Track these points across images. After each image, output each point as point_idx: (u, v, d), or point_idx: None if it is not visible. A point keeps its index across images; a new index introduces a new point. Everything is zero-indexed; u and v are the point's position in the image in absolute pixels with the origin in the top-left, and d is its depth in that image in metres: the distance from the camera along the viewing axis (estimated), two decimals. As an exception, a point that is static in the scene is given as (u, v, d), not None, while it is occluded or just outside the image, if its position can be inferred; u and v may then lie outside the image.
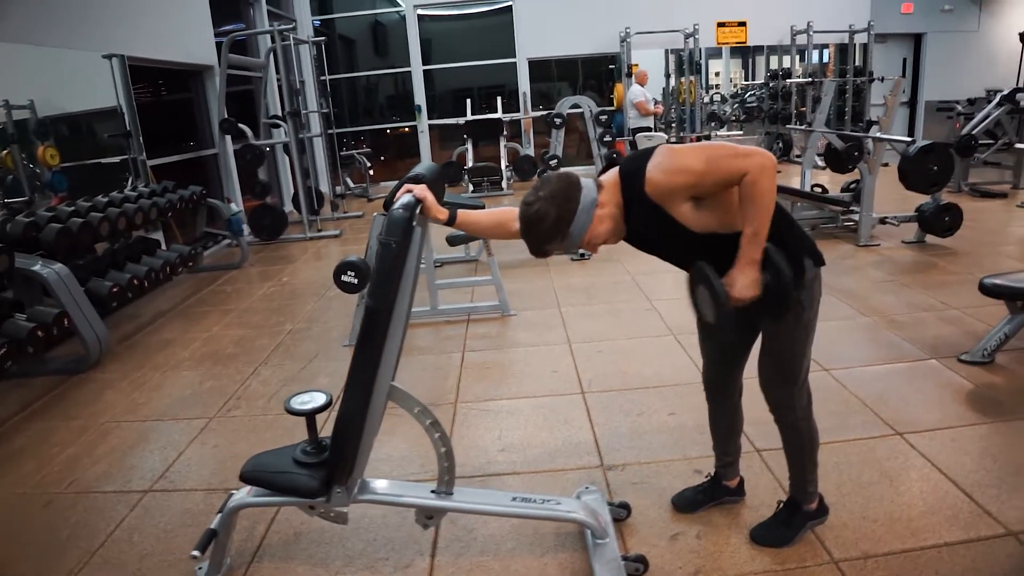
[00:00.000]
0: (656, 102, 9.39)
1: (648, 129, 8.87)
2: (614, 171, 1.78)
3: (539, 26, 10.59)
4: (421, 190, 1.81)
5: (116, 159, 6.15)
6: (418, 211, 1.78)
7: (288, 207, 8.97)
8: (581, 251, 5.82)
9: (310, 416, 1.99)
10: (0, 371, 3.49)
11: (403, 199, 1.77)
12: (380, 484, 2.06)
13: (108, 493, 2.75)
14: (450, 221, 1.89)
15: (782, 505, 2.13)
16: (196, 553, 2.03)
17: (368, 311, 1.74)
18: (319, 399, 1.99)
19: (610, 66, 11.12)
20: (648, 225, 1.74)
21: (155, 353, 4.33)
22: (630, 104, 9.01)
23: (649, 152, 1.71)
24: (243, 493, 2.10)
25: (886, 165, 6.86)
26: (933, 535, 2.10)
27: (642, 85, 8.86)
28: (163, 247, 5.67)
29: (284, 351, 4.20)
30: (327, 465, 1.92)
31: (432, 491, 2.02)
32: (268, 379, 3.79)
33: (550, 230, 1.69)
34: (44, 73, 5.88)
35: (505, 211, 1.95)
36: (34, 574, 2.27)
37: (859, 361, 3.42)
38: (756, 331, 1.99)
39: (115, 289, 4.38)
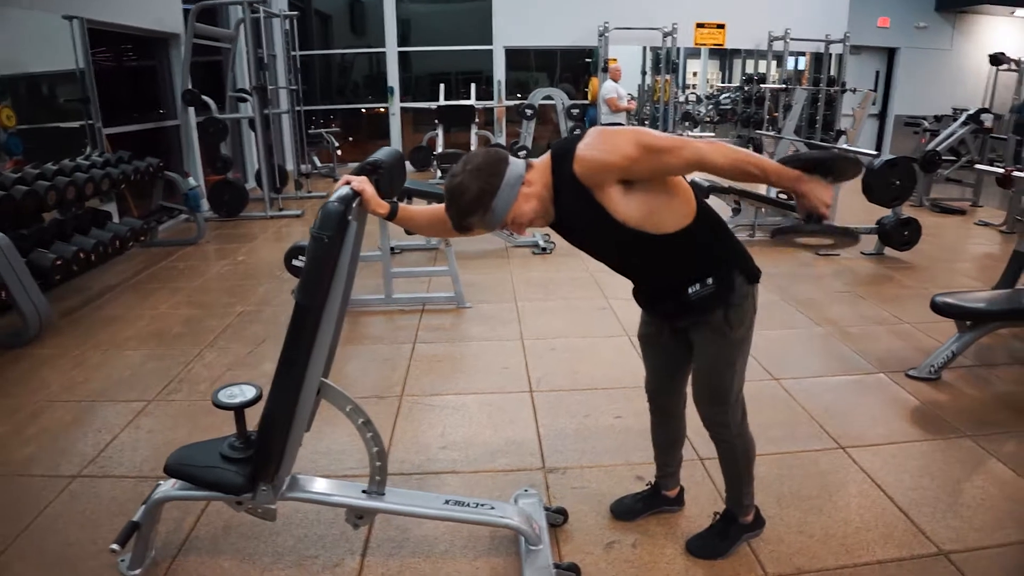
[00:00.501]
0: (631, 98, 9.35)
1: (620, 125, 8.83)
2: (547, 153, 1.72)
3: (517, 15, 10.48)
4: (360, 182, 1.74)
5: (76, 124, 5.94)
6: (356, 204, 1.71)
7: (251, 184, 8.77)
8: (542, 246, 5.90)
9: (238, 410, 1.91)
10: (-72, 342, 3.34)
11: (340, 191, 1.69)
12: (309, 482, 2.00)
13: (35, 477, 2.64)
14: (391, 216, 1.83)
15: (718, 517, 2.13)
16: (116, 547, 1.96)
17: (297, 307, 1.67)
18: (248, 393, 1.92)
19: (587, 59, 11.05)
20: (575, 211, 1.68)
21: (99, 330, 4.19)
22: (602, 99, 8.96)
23: (582, 135, 1.65)
24: (168, 486, 2.02)
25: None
26: (867, 552, 2.11)
27: (615, 81, 8.80)
28: (116, 219, 5.49)
29: (232, 334, 4.10)
30: (253, 462, 1.85)
31: (363, 491, 1.97)
32: (212, 363, 3.69)
33: (472, 203, 1.62)
34: (3, 31, 5.64)
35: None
36: (-55, 560, 2.17)
37: (809, 372, 3.44)
38: (691, 343, 1.96)
39: (59, 262, 4.22)
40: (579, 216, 1.69)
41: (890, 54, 12.36)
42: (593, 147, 1.60)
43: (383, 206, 1.79)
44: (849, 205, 6.67)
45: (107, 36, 6.46)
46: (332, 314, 1.72)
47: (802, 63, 12.42)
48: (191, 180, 6.41)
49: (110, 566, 2.09)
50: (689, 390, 2.06)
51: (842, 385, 3.30)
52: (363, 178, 1.77)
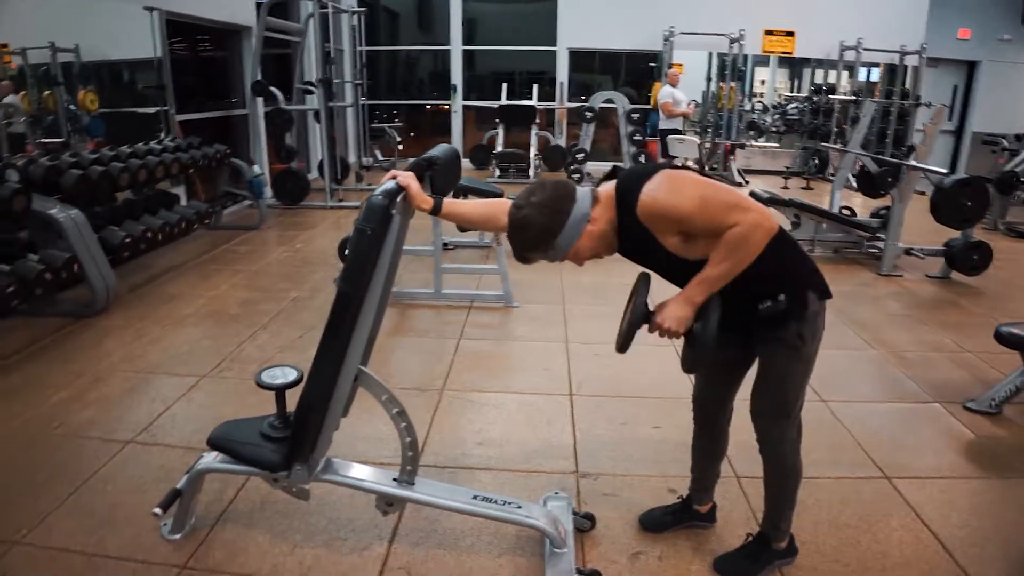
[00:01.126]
0: (692, 103, 9.17)
1: (678, 132, 8.68)
2: (611, 185, 1.73)
3: (582, 17, 10.44)
4: (405, 177, 1.77)
5: (152, 110, 6.22)
6: (400, 199, 1.74)
7: (314, 174, 9.00)
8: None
9: (279, 391, 1.98)
10: (7, 308, 3.55)
11: (385, 185, 1.73)
12: (343, 466, 2.05)
13: (92, 439, 2.79)
14: (435, 211, 1.85)
15: (751, 538, 2.08)
16: (158, 511, 2.06)
17: (339, 295, 1.72)
18: (290, 375, 1.99)
19: (650, 63, 10.94)
20: (639, 247, 1.72)
21: (160, 306, 4.37)
22: (659, 104, 8.85)
23: (649, 173, 1.65)
24: (210, 458, 2.11)
25: (922, 194, 6.68)
26: (903, 588, 2.03)
27: (673, 86, 8.66)
28: (183, 202, 5.72)
29: (285, 318, 4.22)
30: (289, 442, 1.91)
31: (394, 479, 2.01)
32: (264, 344, 3.81)
33: (535, 239, 1.66)
34: (90, 20, 5.96)
35: (497, 204, 1.90)
36: (5, 511, 2.30)
37: (859, 396, 3.33)
38: (749, 356, 1.93)
39: (128, 239, 4.43)
40: (643, 251, 1.72)
41: (970, 68, 11.81)
42: (656, 194, 1.61)
43: (427, 201, 1.82)
44: (916, 225, 6.43)
45: (184, 27, 6.74)
46: (372, 304, 1.76)
47: (876, 75, 12.00)
48: (256, 168, 6.64)
49: (153, 529, 2.20)
50: (741, 404, 2.03)
51: (893, 412, 3.18)
52: (409, 173, 1.80)
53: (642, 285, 1.74)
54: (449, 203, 1.89)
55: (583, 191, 1.70)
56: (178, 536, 2.16)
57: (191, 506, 2.20)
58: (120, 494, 2.42)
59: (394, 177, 1.79)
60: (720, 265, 1.59)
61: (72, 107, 6.20)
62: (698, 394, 2.11)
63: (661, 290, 1.79)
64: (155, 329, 3.99)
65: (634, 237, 1.68)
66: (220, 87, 7.93)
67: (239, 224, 6.70)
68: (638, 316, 1.70)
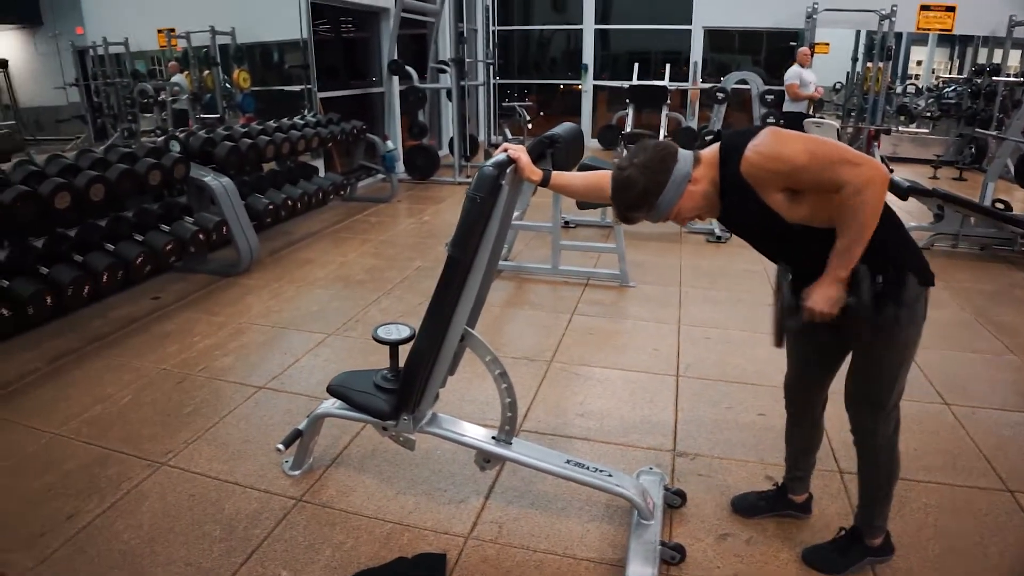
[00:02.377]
0: (819, 86, 8.54)
1: (800, 115, 8.14)
2: (715, 146, 1.72)
3: (720, -7, 10.06)
4: (516, 150, 1.86)
5: (297, 88, 6.71)
6: (510, 170, 1.83)
7: (444, 151, 9.32)
8: (718, 234, 5.72)
9: (393, 346, 2.15)
10: (166, 264, 4.00)
11: (497, 157, 1.82)
12: (447, 421, 2.19)
13: (230, 383, 3.12)
14: (544, 182, 1.92)
15: (844, 532, 2.02)
16: (280, 447, 2.31)
17: (449, 259, 1.84)
18: (404, 332, 2.15)
19: (791, 43, 10.37)
20: (740, 207, 1.69)
21: (296, 269, 4.76)
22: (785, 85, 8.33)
23: (754, 132, 1.63)
24: (329, 404, 2.32)
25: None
26: (1012, 606, 1.91)
27: (803, 66, 8.12)
28: (321, 174, 6.14)
29: (408, 285, 4.47)
30: (398, 393, 2.07)
31: (493, 437, 2.12)
32: (388, 308, 4.06)
33: (637, 199, 1.68)
34: (244, 4, 6.48)
35: (602, 174, 1.93)
36: (157, 437, 2.65)
37: (988, 402, 3.09)
38: (846, 342, 1.87)
39: (270, 207, 4.84)
40: (744, 211, 1.69)
41: None
42: (762, 149, 1.58)
43: (536, 173, 1.90)
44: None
45: (327, 9, 7.18)
46: (480, 269, 1.87)
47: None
48: (389, 143, 6.99)
49: (276, 464, 2.46)
50: (833, 389, 1.98)
51: (1026, 422, 2.94)
52: (520, 147, 1.89)
53: (783, 277, 1.70)
54: (557, 175, 1.95)
55: (686, 153, 1.71)
56: (297, 472, 2.41)
57: (310, 447, 2.44)
58: (251, 431, 2.71)
59: (506, 150, 1.87)
60: (848, 232, 1.54)
61: (228, 85, 6.80)
62: (789, 382, 2.07)
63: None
64: (290, 289, 4.35)
65: (736, 196, 1.66)
66: (359, 66, 8.38)
67: (372, 196, 7.10)
68: (789, 307, 1.66)
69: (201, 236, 4.15)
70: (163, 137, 4.81)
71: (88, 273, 3.51)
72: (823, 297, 1.61)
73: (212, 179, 4.40)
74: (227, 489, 2.35)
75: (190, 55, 6.75)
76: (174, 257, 4.00)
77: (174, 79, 6.75)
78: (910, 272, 1.67)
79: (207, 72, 6.75)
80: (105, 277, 3.57)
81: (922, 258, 1.72)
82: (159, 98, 6.84)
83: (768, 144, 1.58)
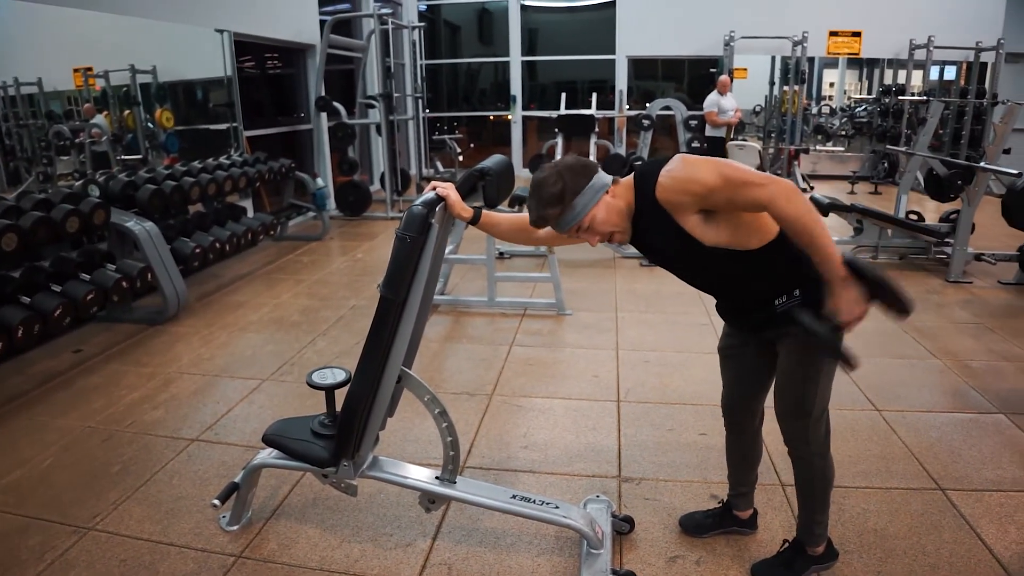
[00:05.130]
0: (739, 109, 8.89)
1: (721, 140, 8.51)
2: (631, 175, 1.76)
3: (641, 24, 10.42)
4: (444, 188, 1.86)
5: (223, 126, 6.56)
6: (440, 208, 1.82)
7: (376, 186, 9.27)
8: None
9: (329, 391, 2.09)
10: (87, 315, 3.81)
11: (425, 195, 1.82)
12: (388, 464, 2.14)
13: (161, 437, 2.97)
14: (474, 221, 1.93)
15: (787, 544, 2.06)
16: (216, 502, 2.21)
17: (382, 300, 1.81)
18: (339, 375, 2.09)
19: (711, 69, 10.82)
20: (656, 232, 1.71)
21: (227, 313, 4.61)
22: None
23: (666, 159, 1.68)
24: (265, 454, 2.23)
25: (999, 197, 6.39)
26: (951, 601, 1.98)
27: (722, 93, 8.50)
28: (250, 214, 6.00)
29: (344, 325, 4.38)
30: (336, 438, 2.01)
31: (436, 477, 2.08)
32: (324, 350, 3.96)
33: (554, 195, 1.67)
34: (166, 42, 6.32)
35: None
36: (83, 500, 2.49)
37: (916, 405, 3.23)
38: (774, 357, 1.93)
39: (198, 250, 4.69)
40: (660, 236, 1.72)
41: (1056, 64, 11.18)
42: (675, 174, 1.63)
43: (467, 211, 1.90)
44: (990, 229, 6.16)
45: (252, 47, 7.09)
46: (413, 308, 1.85)
47: (950, 73, 11.48)
48: (319, 180, 6.90)
49: (212, 520, 2.35)
50: (770, 404, 2.03)
51: (952, 423, 3.07)
52: (449, 184, 1.89)
53: (802, 322, 1.65)
54: (487, 215, 1.96)
55: (605, 173, 1.74)
56: (236, 527, 2.30)
57: (248, 499, 2.34)
58: (184, 487, 2.58)
59: (434, 188, 1.87)
60: (804, 238, 1.56)
61: (150, 125, 6.60)
62: (726, 400, 2.11)
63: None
64: (221, 335, 4.21)
65: (652, 221, 1.68)
66: (286, 103, 8.28)
67: (304, 235, 6.97)
68: (827, 337, 1.63)
69: (124, 284, 3.97)
70: (81, 181, 4.62)
71: (2, 328, 3.31)
72: (845, 302, 1.61)
73: (135, 224, 4.24)
74: (161, 551, 2.22)
75: (109, 94, 6.53)
76: (96, 307, 3.82)
77: (94, 120, 6.50)
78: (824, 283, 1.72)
79: (128, 112, 6.54)
80: (21, 331, 3.37)
81: None
82: (77, 140, 6.58)
83: (680, 169, 1.63)
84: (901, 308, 1.67)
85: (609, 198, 1.71)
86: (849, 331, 1.67)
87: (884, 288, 1.63)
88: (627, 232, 1.77)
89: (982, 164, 5.09)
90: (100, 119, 6.48)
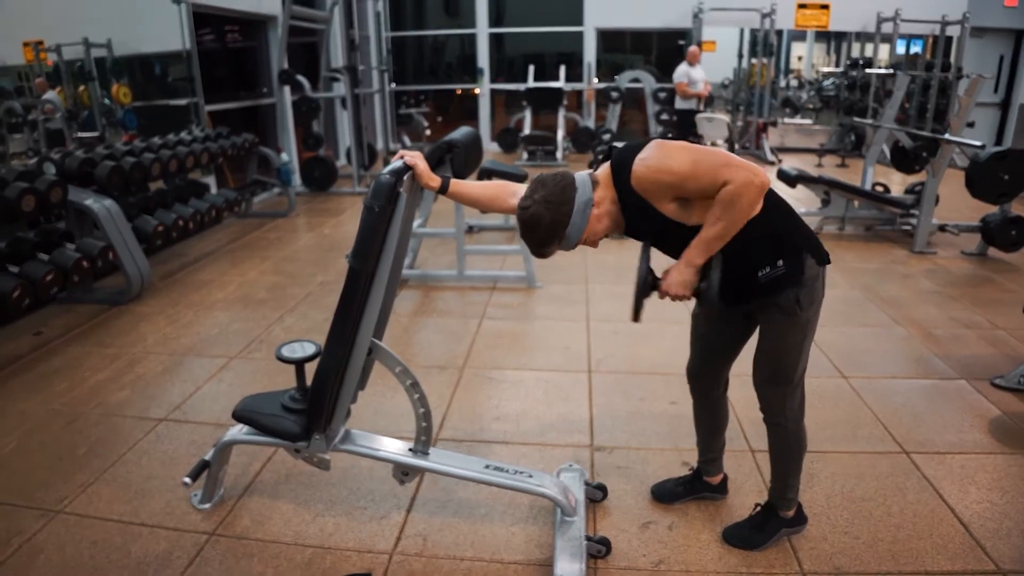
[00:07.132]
0: (707, 83, 8.92)
1: (691, 112, 8.50)
2: (607, 164, 1.76)
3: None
4: (413, 157, 1.82)
5: (183, 102, 6.38)
6: (407, 177, 1.79)
7: (342, 161, 9.12)
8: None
9: (299, 365, 2.06)
10: (47, 296, 3.70)
11: (393, 164, 1.78)
12: (360, 436, 2.13)
13: (128, 417, 2.91)
14: (442, 190, 1.90)
15: (759, 508, 2.10)
16: (187, 480, 2.17)
17: (351, 271, 1.78)
18: (308, 349, 2.06)
19: (680, 42, 10.79)
20: (642, 218, 1.73)
21: (192, 292, 4.51)
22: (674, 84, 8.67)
23: (640, 145, 1.68)
24: (236, 430, 2.20)
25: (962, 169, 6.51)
26: (915, 561, 2.03)
27: (692, 64, 8.46)
28: (213, 191, 5.86)
29: (312, 301, 4.32)
30: (307, 413, 1.98)
31: (409, 449, 2.07)
32: (291, 327, 3.91)
33: (546, 234, 1.70)
34: (121, 15, 6.11)
35: (501, 185, 1.95)
36: (50, 483, 2.43)
37: (882, 372, 3.30)
38: (748, 327, 1.95)
39: (160, 228, 4.57)
40: (647, 221, 1.73)
41: (1018, 37, 11.35)
42: (649, 163, 1.63)
43: (435, 180, 1.87)
44: (954, 201, 6.28)
45: (211, 18, 6.87)
46: (383, 279, 1.82)
47: (916, 47, 11.62)
48: (284, 156, 6.76)
49: (184, 499, 2.31)
50: (737, 372, 2.05)
51: (916, 389, 3.14)
52: (417, 153, 1.85)
53: (643, 255, 1.76)
54: (456, 183, 1.93)
55: (582, 177, 1.73)
56: (208, 505, 2.27)
57: (220, 477, 2.30)
58: (154, 467, 2.53)
59: (402, 157, 1.83)
60: (716, 225, 1.61)
61: (107, 101, 6.39)
62: (692, 369, 2.14)
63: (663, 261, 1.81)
64: (187, 314, 4.12)
65: (634, 210, 1.71)
66: (248, 77, 8.07)
67: (269, 211, 6.84)
68: (644, 285, 1.74)
69: (85, 263, 3.86)
70: (36, 159, 4.45)
71: (-45, 311, 3.20)
72: (678, 281, 1.70)
73: (94, 202, 4.11)
74: (132, 531, 2.18)
75: (62, 69, 6.29)
76: (56, 288, 3.70)
77: (46, 96, 6.27)
78: (807, 253, 1.75)
79: (82, 88, 6.31)
80: (-25, 314, 3.27)
81: (816, 239, 1.81)
82: (29, 117, 6.34)
83: (654, 157, 1.63)
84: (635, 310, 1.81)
85: (596, 210, 1.72)
86: (660, 299, 1.79)
87: (708, 299, 1.75)
88: (621, 224, 1.79)
89: (946, 136, 5.16)
90: (53, 95, 6.25)
